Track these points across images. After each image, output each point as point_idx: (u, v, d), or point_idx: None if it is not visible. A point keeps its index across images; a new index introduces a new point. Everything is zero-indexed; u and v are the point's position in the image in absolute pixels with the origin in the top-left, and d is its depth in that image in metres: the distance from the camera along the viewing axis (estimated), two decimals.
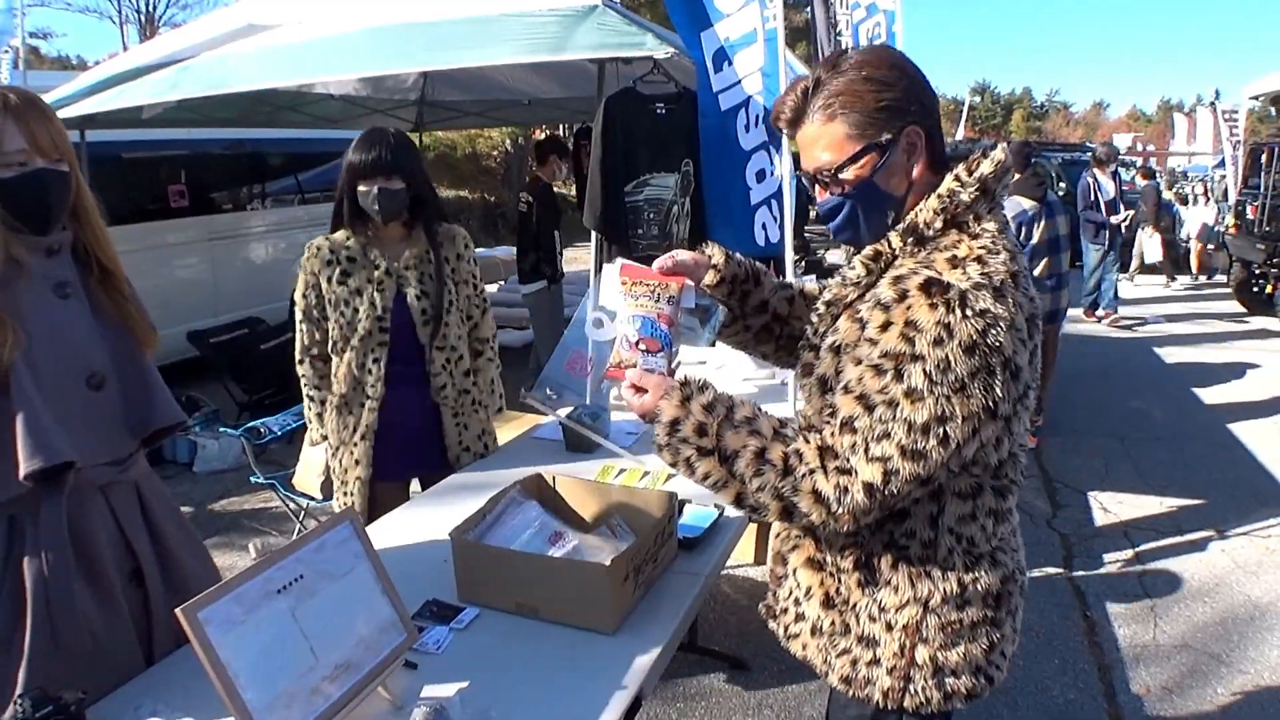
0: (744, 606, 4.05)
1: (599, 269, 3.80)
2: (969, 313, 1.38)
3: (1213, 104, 17.57)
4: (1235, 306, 11.72)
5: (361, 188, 2.76)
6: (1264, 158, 11.68)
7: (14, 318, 1.73)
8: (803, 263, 7.07)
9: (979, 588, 1.62)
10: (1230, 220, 13.17)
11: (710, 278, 1.83)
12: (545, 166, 6.72)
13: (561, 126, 22.80)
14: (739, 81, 3.62)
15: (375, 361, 2.85)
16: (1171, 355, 9.26)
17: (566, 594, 1.91)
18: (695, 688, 3.50)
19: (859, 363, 1.47)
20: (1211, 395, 7.87)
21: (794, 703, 3.38)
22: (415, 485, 3.20)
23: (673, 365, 1.69)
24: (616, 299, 1.71)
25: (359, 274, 2.82)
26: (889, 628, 1.63)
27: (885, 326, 1.44)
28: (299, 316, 2.93)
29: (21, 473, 1.69)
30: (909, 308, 1.41)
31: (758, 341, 1.94)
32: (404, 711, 1.61)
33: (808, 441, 1.49)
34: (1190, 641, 3.94)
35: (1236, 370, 8.73)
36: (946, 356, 1.37)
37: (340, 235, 2.86)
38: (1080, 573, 4.58)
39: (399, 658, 1.70)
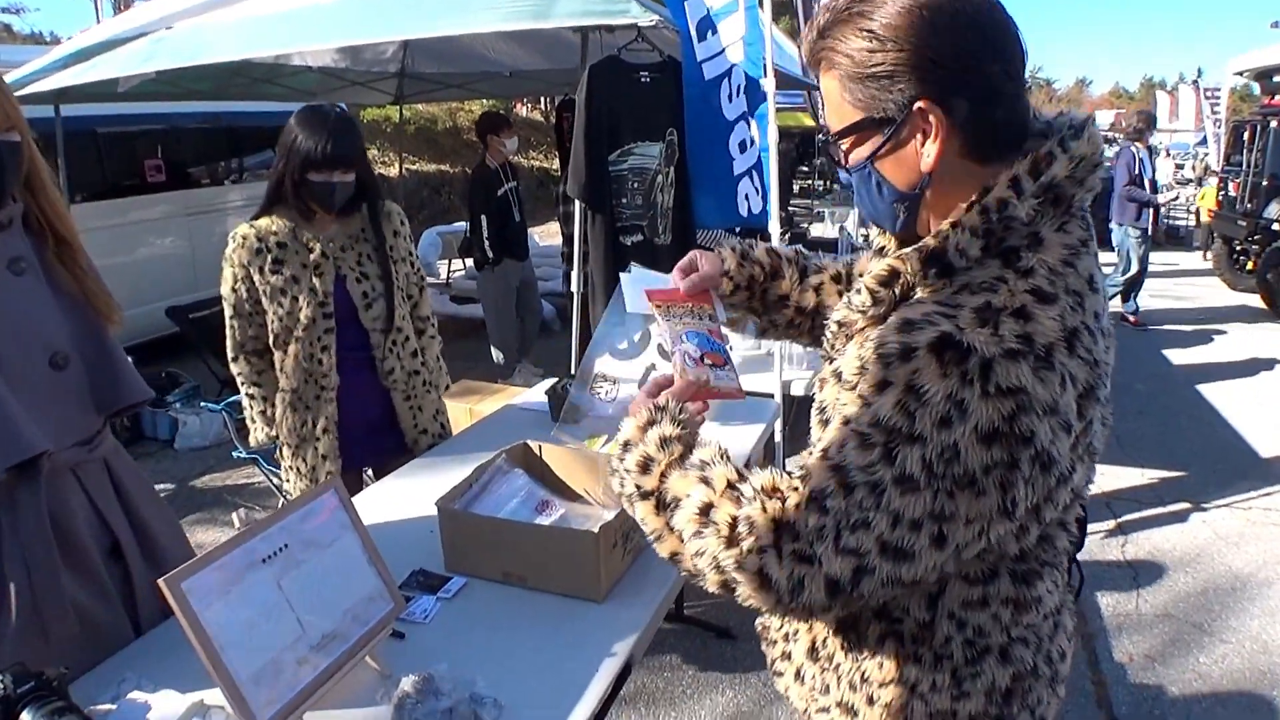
0: None
1: (584, 238, 3.78)
2: (992, 390, 1.01)
3: (1195, 82, 17.62)
4: (1217, 282, 11.77)
5: (315, 178, 2.61)
6: (1246, 135, 11.74)
7: None
8: (787, 235, 7.05)
9: (980, 684, 1.30)
10: (1207, 195, 13.28)
11: (725, 286, 1.61)
12: (490, 148, 6.54)
13: (544, 100, 22.76)
14: (722, 51, 3.59)
15: (325, 350, 2.74)
16: (1153, 330, 9.30)
17: (554, 562, 1.89)
18: (682, 657, 3.51)
19: (846, 422, 1.12)
20: (1193, 369, 7.92)
21: None
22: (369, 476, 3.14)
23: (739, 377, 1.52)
24: (656, 323, 1.54)
25: (292, 260, 2.69)
26: (870, 701, 1.35)
27: (882, 386, 1.08)
28: (229, 312, 2.78)
29: None
30: (914, 370, 1.05)
31: (789, 335, 1.73)
32: (392, 681, 1.59)
33: (764, 509, 1.14)
34: (1172, 611, 3.98)
35: (1218, 345, 8.80)
36: (954, 444, 1.02)
37: (265, 221, 2.71)
38: None
39: (386, 627, 1.69)
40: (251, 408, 2.90)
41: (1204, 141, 16.41)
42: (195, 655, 1.38)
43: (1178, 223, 16.85)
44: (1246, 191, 11.32)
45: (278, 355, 2.77)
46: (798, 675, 1.51)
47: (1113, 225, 9.19)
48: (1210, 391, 7.26)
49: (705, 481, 1.22)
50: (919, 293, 1.17)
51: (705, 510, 1.19)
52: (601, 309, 3.65)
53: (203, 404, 5.56)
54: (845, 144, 1.23)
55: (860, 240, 6.51)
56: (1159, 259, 14.40)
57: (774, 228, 3.53)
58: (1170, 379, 7.63)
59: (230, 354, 2.84)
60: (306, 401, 2.79)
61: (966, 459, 1.03)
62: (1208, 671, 3.54)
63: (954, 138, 1.14)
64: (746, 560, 1.13)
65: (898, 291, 1.18)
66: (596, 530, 1.83)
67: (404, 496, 2.46)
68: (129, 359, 1.96)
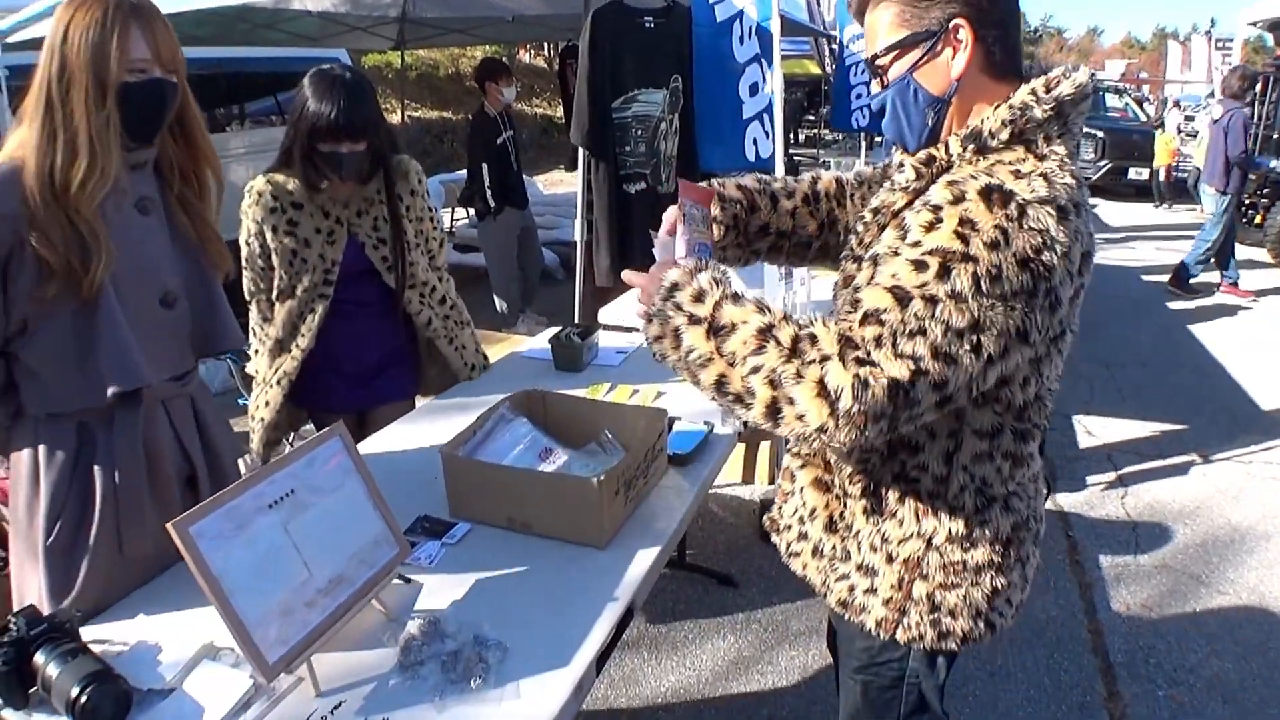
0: (731, 525, 4.10)
1: (588, 186, 3.76)
2: (1026, 225, 1.26)
3: (1208, 32, 17.41)
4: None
5: (323, 148, 2.55)
6: (1259, 87, 11.59)
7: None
8: None
9: (988, 531, 1.56)
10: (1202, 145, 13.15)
11: (715, 231, 1.75)
12: (489, 96, 6.45)
13: (547, 46, 22.51)
14: None
15: (312, 312, 2.72)
16: (1159, 283, 9.26)
17: (557, 509, 1.91)
18: (684, 604, 3.54)
19: (895, 257, 1.33)
20: (1197, 323, 7.90)
21: (781, 618, 3.43)
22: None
23: None
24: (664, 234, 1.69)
25: (306, 223, 2.65)
26: (889, 559, 1.59)
27: (933, 225, 1.31)
28: (242, 260, 2.72)
29: (108, 392, 1.77)
30: (966, 208, 1.29)
31: (769, 259, 1.89)
32: (398, 624, 1.62)
33: (825, 326, 1.32)
34: (1170, 562, 4.01)
35: (1222, 299, 8.75)
36: (999, 263, 1.25)
37: (281, 178, 2.66)
38: (1063, 494, 4.63)
39: (392, 571, 1.71)
40: (256, 354, 2.91)
41: (1214, 94, 16.20)
42: (205, 599, 1.40)
43: (1184, 175, 16.71)
44: (1257, 145, 11.18)
45: (277, 306, 2.76)
46: (815, 551, 1.72)
47: (1209, 190, 8.66)
48: (1214, 344, 7.25)
49: (762, 310, 1.36)
50: (957, 167, 1.42)
51: (765, 330, 1.32)
52: (605, 257, 3.65)
53: None
54: (886, 61, 1.48)
55: None
56: (1162, 212, 14.37)
57: (779, 171, 3.50)
58: (1174, 332, 7.62)
59: (246, 297, 2.83)
60: (280, 352, 2.78)
61: (1005, 278, 1.25)
62: (1204, 621, 3.57)
63: (978, 53, 1.42)
64: (808, 369, 1.28)
65: (935, 171, 1.46)
66: (601, 477, 1.85)
67: (408, 443, 2.48)
68: (230, 307, 2.09)
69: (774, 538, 1.88)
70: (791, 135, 19.18)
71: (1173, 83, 25.84)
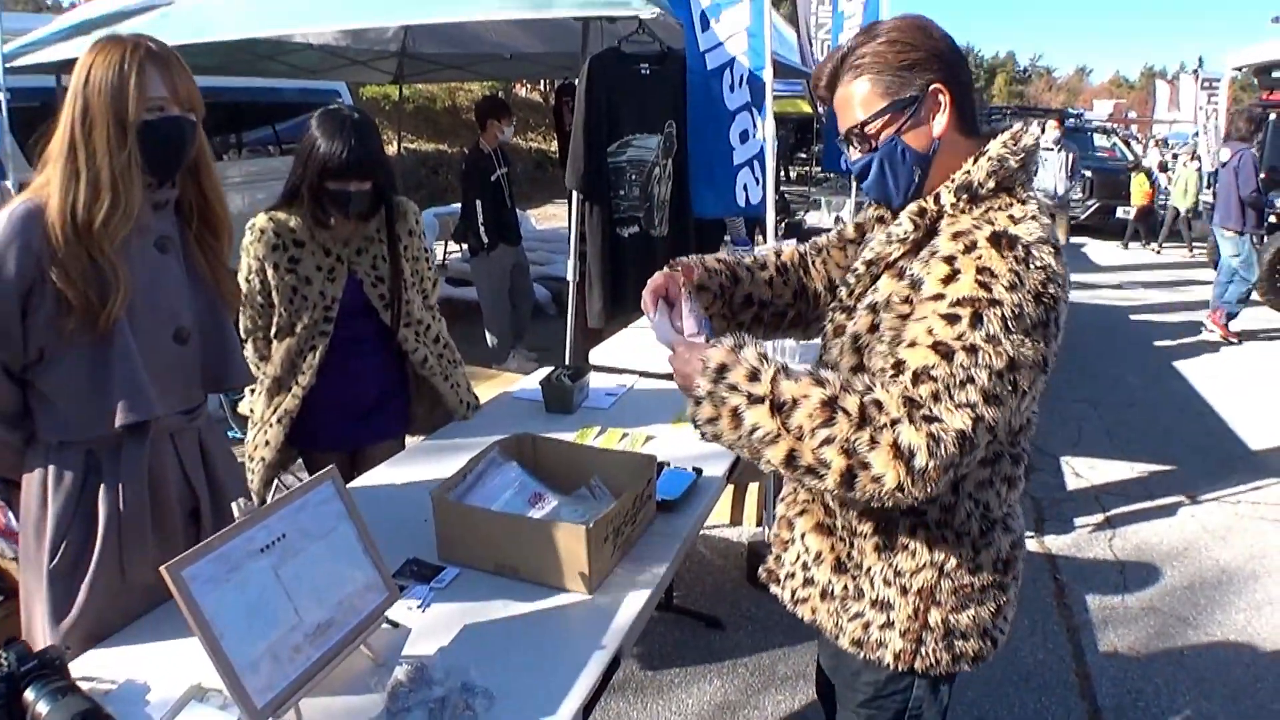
0: (719, 567, 4.10)
1: (581, 230, 3.79)
2: (1033, 265, 1.39)
3: (1195, 71, 17.56)
4: (1211, 275, 11.77)
5: (333, 186, 2.60)
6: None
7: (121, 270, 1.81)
8: (783, 224, 7.07)
9: (992, 552, 1.66)
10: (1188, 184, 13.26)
11: (704, 299, 1.84)
12: (486, 132, 6.52)
13: (543, 82, 22.66)
14: (723, 42, 3.60)
15: (312, 350, 2.75)
16: (1148, 322, 9.33)
17: (546, 555, 1.92)
18: (671, 648, 3.54)
19: (922, 317, 1.42)
20: (1186, 362, 7.96)
21: (768, 662, 3.44)
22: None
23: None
24: (664, 313, 1.72)
25: (307, 260, 2.69)
26: (904, 591, 1.65)
27: (952, 277, 1.41)
28: (241, 298, 2.71)
29: (117, 422, 1.83)
30: (979, 257, 1.41)
31: (748, 329, 1.93)
32: (386, 669, 1.63)
33: (886, 390, 1.38)
34: (1158, 604, 4.03)
35: (1210, 338, 8.82)
36: (1020, 302, 1.36)
37: (283, 215, 2.70)
38: (1051, 536, 4.65)
39: (381, 617, 1.72)
40: (254, 393, 2.92)
41: (1198, 133, 16.34)
42: (194, 639, 1.41)
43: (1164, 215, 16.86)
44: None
45: (274, 345, 2.78)
46: (825, 594, 1.75)
47: (1226, 233, 8.58)
48: (1201, 384, 7.31)
49: (819, 382, 1.39)
50: (953, 217, 1.53)
51: (830, 402, 1.36)
52: (597, 300, 3.68)
53: None
54: (875, 127, 1.58)
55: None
56: (1139, 251, 14.47)
57: (769, 218, 3.54)
58: (1162, 371, 7.67)
59: (241, 336, 2.83)
60: (280, 390, 2.80)
61: (1025, 315, 1.37)
62: (1192, 664, 3.58)
63: (952, 114, 1.56)
64: (881, 434, 1.33)
65: (928, 221, 1.56)
66: (590, 524, 1.86)
67: (399, 485, 2.49)
68: (240, 344, 2.17)
69: (774, 589, 1.90)
70: (783, 173, 19.31)
71: (1160, 122, 26.07)
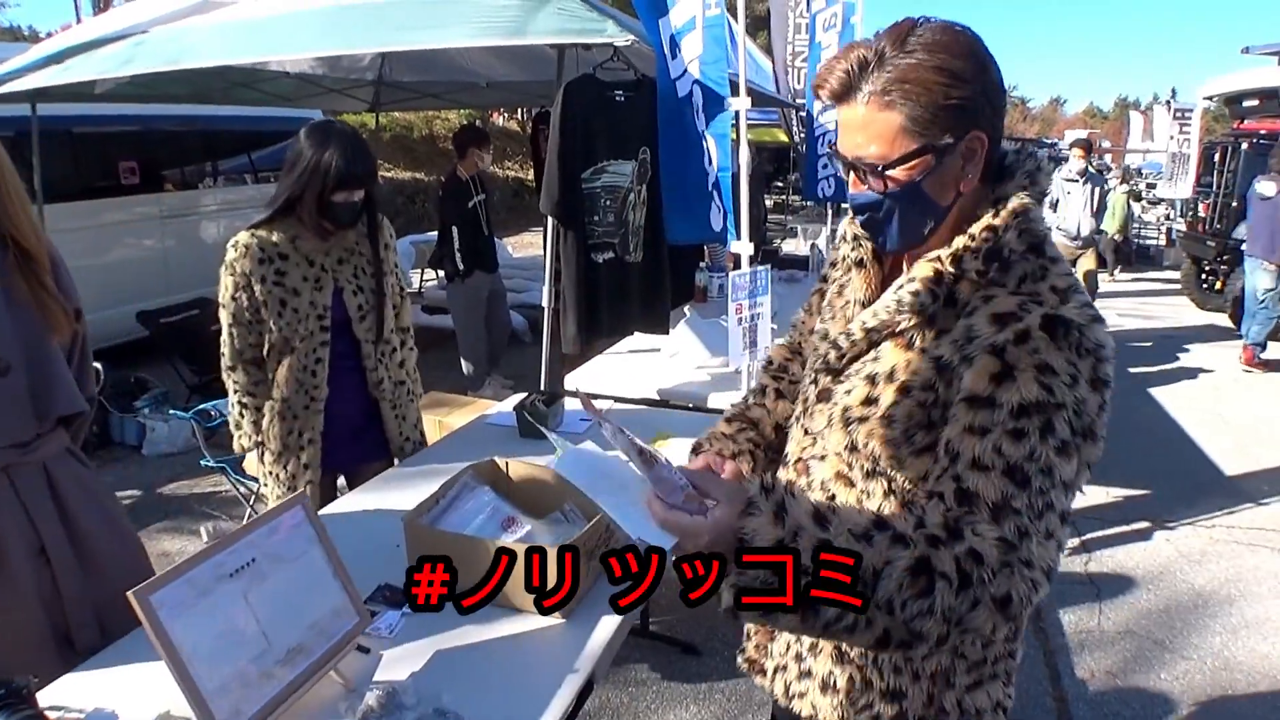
0: None
1: (556, 254, 3.80)
2: (1087, 350, 1.23)
3: (1168, 102, 17.84)
4: (1185, 301, 11.93)
5: (339, 197, 2.66)
6: (1217, 156, 11.90)
7: None
8: (760, 253, 7.10)
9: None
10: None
11: (744, 467, 1.59)
12: (465, 160, 6.59)
13: (520, 110, 22.77)
14: (687, 69, 3.62)
15: (319, 362, 2.78)
16: (1121, 349, 9.39)
17: (518, 579, 1.91)
18: (646, 673, 3.53)
19: (978, 427, 1.23)
20: (1159, 388, 8.03)
21: (744, 688, 3.43)
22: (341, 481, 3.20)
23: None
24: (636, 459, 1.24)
25: (293, 272, 2.72)
26: (916, 677, 1.46)
27: (1005, 375, 1.23)
28: (227, 320, 2.77)
29: None
30: (1035, 350, 1.22)
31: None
32: (357, 695, 1.62)
33: (978, 536, 1.17)
34: (1134, 628, 4.05)
35: (1184, 364, 8.92)
36: (1082, 396, 1.22)
37: (264, 231, 2.73)
38: None
39: (352, 642, 1.71)
40: (244, 417, 2.88)
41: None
42: (162, 665, 1.40)
43: (1148, 242, 17.09)
44: (1216, 212, 11.46)
45: (272, 366, 2.80)
46: (825, 687, 1.52)
47: (1269, 266, 8.33)
48: (1176, 410, 7.38)
49: (903, 540, 1.16)
50: (971, 286, 1.32)
51: (922, 566, 1.14)
52: (573, 326, 3.68)
53: (171, 411, 5.53)
54: (897, 170, 1.31)
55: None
56: (1127, 277, 14.62)
57: (744, 247, 3.56)
58: (1136, 398, 7.73)
59: (228, 362, 2.83)
60: (295, 411, 2.82)
61: (1087, 409, 1.22)
62: (1169, 688, 3.60)
63: (985, 163, 1.33)
64: (983, 593, 1.14)
65: (944, 289, 1.33)
66: (561, 549, 1.86)
67: (372, 510, 2.48)
68: (68, 373, 2.00)
69: (759, 680, 1.67)
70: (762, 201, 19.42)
71: (1134, 151, 26.42)
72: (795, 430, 1.52)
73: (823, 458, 1.44)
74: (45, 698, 1.60)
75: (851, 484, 1.41)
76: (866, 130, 1.30)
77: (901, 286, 1.37)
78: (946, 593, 1.13)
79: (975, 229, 1.32)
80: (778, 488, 1.18)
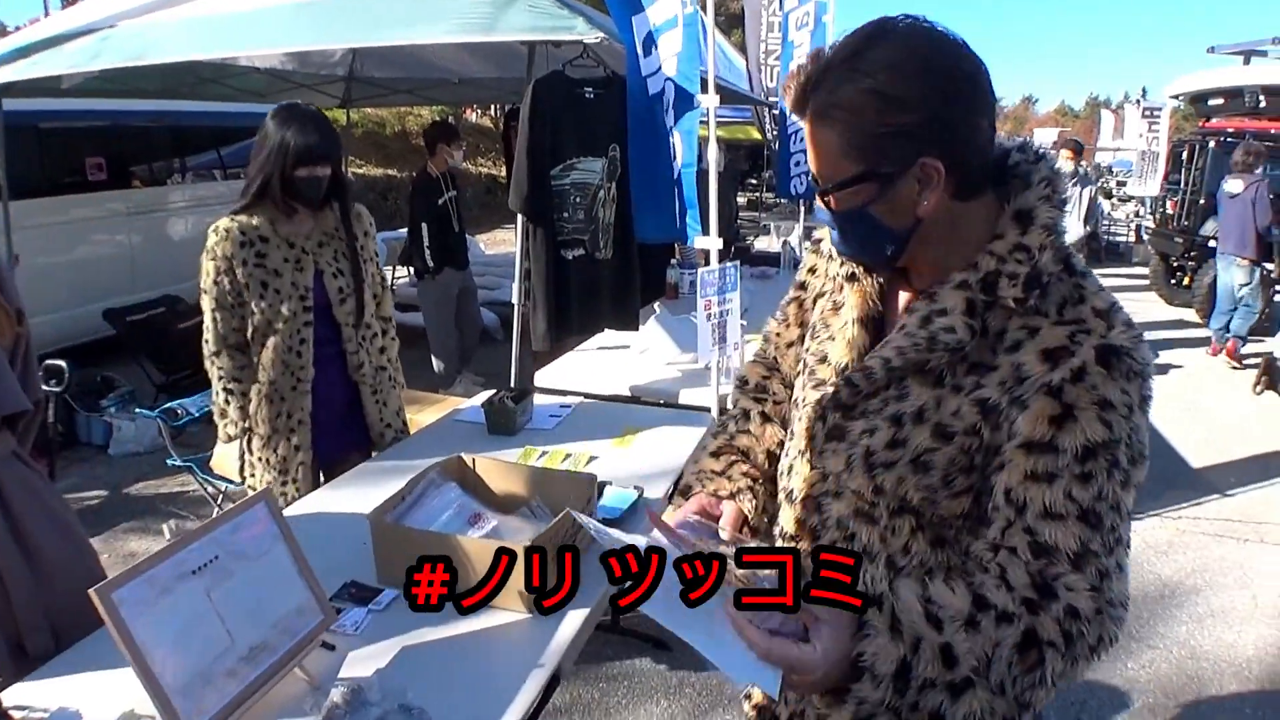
0: None
1: (525, 251, 3.80)
2: (1134, 372, 1.19)
3: (1139, 100, 18.00)
4: (1154, 297, 12.04)
5: (301, 173, 2.70)
6: (1185, 154, 12.03)
7: None
8: (731, 249, 7.11)
9: None
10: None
11: (746, 505, 1.52)
12: (435, 156, 6.57)
13: (493, 107, 22.68)
14: (661, 66, 3.62)
15: (303, 343, 2.81)
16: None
17: (484, 575, 1.92)
18: (617, 668, 3.54)
19: (1042, 474, 1.17)
20: None
21: (715, 682, 3.44)
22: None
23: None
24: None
25: (274, 254, 2.76)
26: None
27: (1065, 418, 1.17)
28: (209, 305, 2.79)
29: None
30: (1092, 386, 1.17)
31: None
32: (322, 692, 1.62)
33: (1073, 591, 1.13)
34: None
35: (1152, 359, 8.97)
36: (1137, 423, 1.20)
37: (244, 216, 2.76)
38: None
39: (316, 639, 1.71)
40: (229, 404, 2.88)
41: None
42: (125, 664, 1.39)
43: (1118, 239, 17.26)
44: (1184, 209, 11.59)
45: (256, 349, 2.82)
46: None
47: (1240, 262, 8.59)
48: None
49: (1008, 617, 1.12)
50: (1007, 314, 1.23)
51: (1030, 641, 1.11)
52: (542, 323, 3.68)
53: (138, 410, 5.48)
54: (838, 197, 1.25)
55: (802, 255, 6.60)
56: (1097, 273, 14.73)
57: (713, 243, 3.56)
58: None
59: (212, 348, 2.84)
60: (283, 393, 2.84)
61: (1140, 432, 1.21)
62: (1135, 677, 3.64)
63: (948, 185, 1.21)
64: (1084, 647, 1.13)
65: (980, 321, 1.24)
66: (529, 544, 1.86)
67: (339, 507, 2.48)
68: (11, 372, 1.98)
69: None
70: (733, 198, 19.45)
71: (1105, 150, 26.63)
72: (799, 465, 1.41)
73: (838, 494, 1.35)
74: (10, 698, 1.59)
75: (874, 521, 1.32)
76: (813, 148, 1.26)
77: (930, 320, 1.26)
78: (1056, 661, 1.11)
79: (1002, 248, 1.23)
80: (883, 596, 1.12)
